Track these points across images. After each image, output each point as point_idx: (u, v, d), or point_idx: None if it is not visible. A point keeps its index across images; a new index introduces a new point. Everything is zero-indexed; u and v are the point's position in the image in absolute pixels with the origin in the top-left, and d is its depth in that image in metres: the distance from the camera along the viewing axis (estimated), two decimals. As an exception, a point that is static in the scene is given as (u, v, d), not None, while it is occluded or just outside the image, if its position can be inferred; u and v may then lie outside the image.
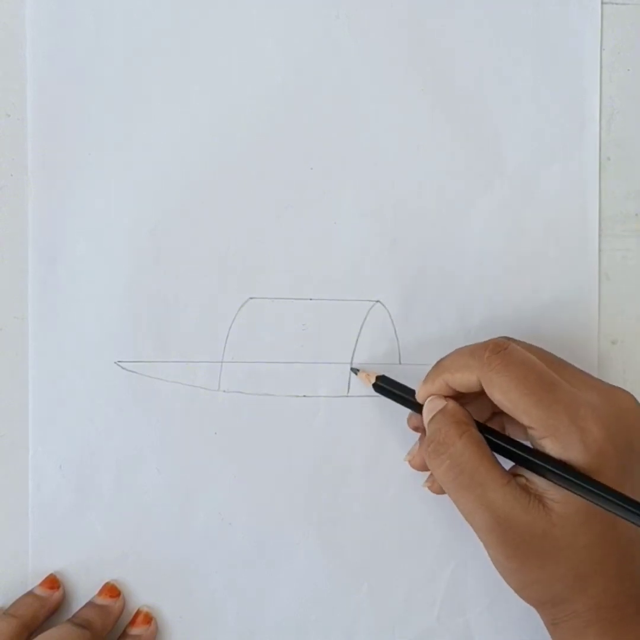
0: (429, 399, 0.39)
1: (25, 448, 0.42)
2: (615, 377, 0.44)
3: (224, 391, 0.43)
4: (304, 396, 0.43)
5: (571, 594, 0.36)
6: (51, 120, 0.42)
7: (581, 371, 0.39)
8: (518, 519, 0.35)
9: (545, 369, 0.36)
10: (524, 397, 0.35)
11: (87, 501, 0.42)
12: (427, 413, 0.38)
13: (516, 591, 0.38)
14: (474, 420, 0.38)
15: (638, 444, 0.37)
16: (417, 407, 0.40)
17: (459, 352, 0.38)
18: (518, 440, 0.38)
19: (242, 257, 0.43)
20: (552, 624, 0.38)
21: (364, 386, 0.43)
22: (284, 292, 0.43)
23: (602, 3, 0.44)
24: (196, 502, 0.43)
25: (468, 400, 0.39)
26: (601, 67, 0.44)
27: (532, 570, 0.36)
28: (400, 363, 0.43)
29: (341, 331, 0.43)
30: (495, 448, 0.37)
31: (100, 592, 0.42)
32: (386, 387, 0.41)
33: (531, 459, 0.36)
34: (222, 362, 0.42)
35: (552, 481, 0.35)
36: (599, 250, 0.44)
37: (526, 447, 0.37)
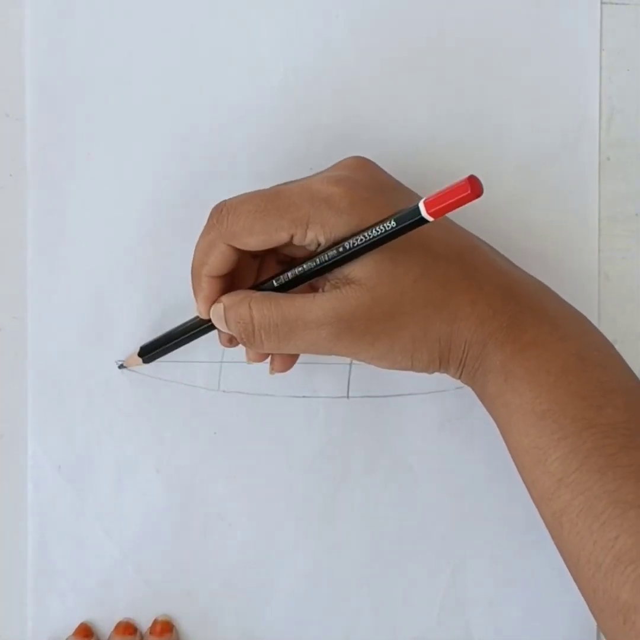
0: (210, 311, 0.38)
1: (24, 448, 0.42)
2: (615, 377, 0.44)
3: (224, 391, 0.43)
4: (304, 397, 0.43)
5: (449, 329, 0.36)
6: (51, 120, 0.42)
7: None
8: (353, 312, 0.35)
9: (265, 191, 0.37)
10: (259, 222, 0.35)
11: (87, 501, 0.42)
12: (219, 322, 0.38)
13: (413, 367, 0.37)
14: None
15: (378, 178, 0.38)
16: (197, 329, 0.40)
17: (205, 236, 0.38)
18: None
19: (242, 257, 0.43)
20: (469, 378, 0.37)
21: (363, 386, 0.43)
22: (283, 292, 0.43)
23: (602, 3, 0.44)
24: (196, 502, 0.43)
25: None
26: (601, 67, 0.44)
27: (401, 336, 0.35)
28: (400, 363, 0.43)
29: (341, 331, 0.43)
30: (286, 287, 0.37)
31: (117, 630, 0.42)
32: (153, 349, 0.41)
33: (311, 267, 0.36)
34: (221, 362, 0.42)
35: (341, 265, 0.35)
36: (599, 250, 0.44)
37: (301, 261, 0.36)
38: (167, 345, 0.41)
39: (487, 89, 0.44)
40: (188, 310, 0.42)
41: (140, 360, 0.41)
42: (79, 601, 0.42)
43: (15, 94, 0.42)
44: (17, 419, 0.42)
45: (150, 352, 0.41)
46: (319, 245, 0.36)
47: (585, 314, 0.44)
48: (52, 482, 0.42)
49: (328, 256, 0.35)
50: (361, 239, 0.34)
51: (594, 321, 0.44)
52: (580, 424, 0.34)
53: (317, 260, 0.36)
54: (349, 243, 0.35)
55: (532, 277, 0.39)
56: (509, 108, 0.44)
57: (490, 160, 0.44)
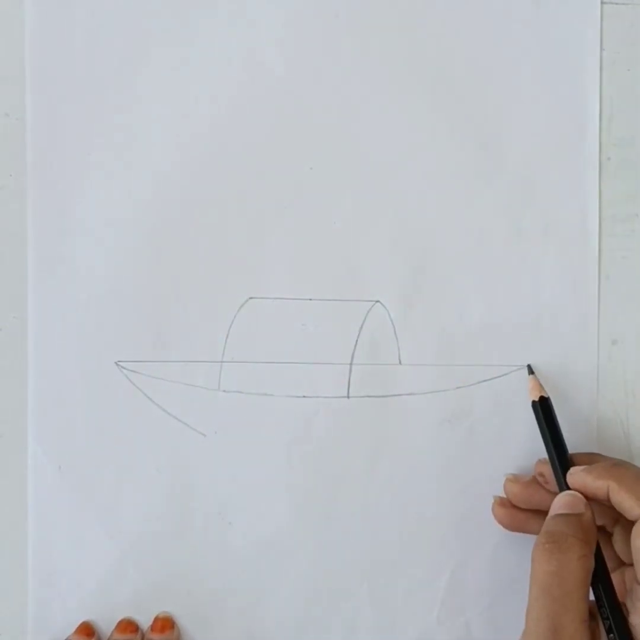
0: (570, 492, 0.38)
1: (24, 448, 0.42)
2: (615, 377, 0.44)
3: (224, 391, 0.43)
4: (304, 396, 0.43)
5: None
6: (51, 120, 0.42)
7: None
8: None
9: None
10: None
11: (87, 501, 0.42)
12: (561, 506, 0.38)
13: None
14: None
15: None
16: (558, 465, 0.39)
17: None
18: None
19: (242, 257, 0.43)
20: None
21: (363, 386, 0.43)
22: (284, 292, 0.43)
23: (602, 3, 0.44)
24: (196, 502, 0.43)
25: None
26: (601, 67, 0.44)
27: None
28: (400, 363, 0.43)
29: (341, 331, 0.43)
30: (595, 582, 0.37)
31: (118, 628, 0.42)
32: (542, 413, 0.41)
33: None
34: (222, 362, 0.42)
35: None
36: (599, 250, 0.44)
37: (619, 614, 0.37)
38: (548, 427, 0.41)
39: (487, 88, 0.44)
40: (188, 310, 0.42)
41: (534, 395, 0.41)
42: (79, 601, 0.42)
43: (14, 93, 0.42)
44: (17, 419, 0.42)
45: (543, 412, 0.41)
46: None
47: (585, 314, 0.44)
48: (52, 482, 0.42)
49: None
50: None
51: (594, 321, 0.44)
52: None
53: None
54: None
55: None
56: (509, 108, 0.44)
57: (490, 160, 0.44)
